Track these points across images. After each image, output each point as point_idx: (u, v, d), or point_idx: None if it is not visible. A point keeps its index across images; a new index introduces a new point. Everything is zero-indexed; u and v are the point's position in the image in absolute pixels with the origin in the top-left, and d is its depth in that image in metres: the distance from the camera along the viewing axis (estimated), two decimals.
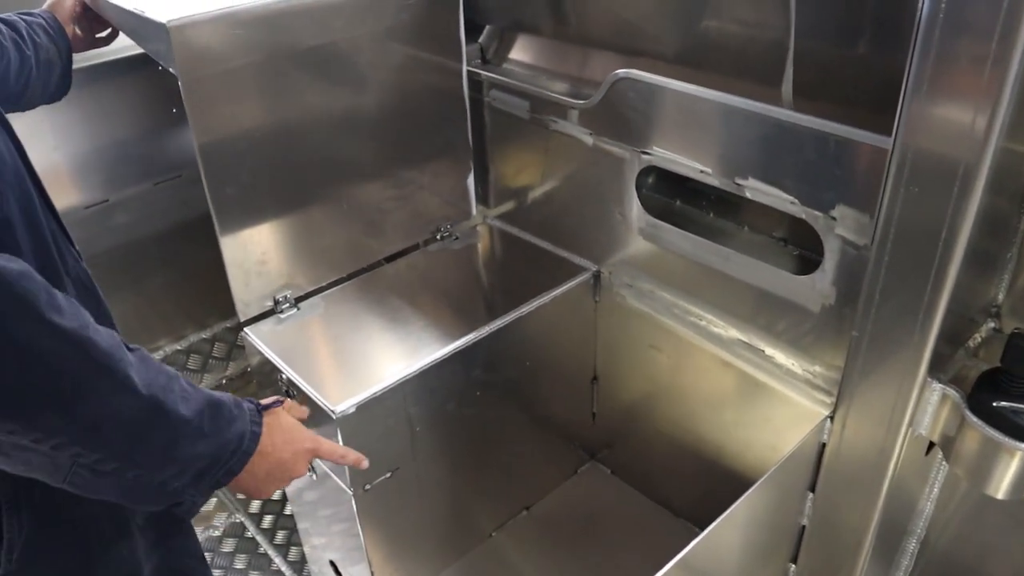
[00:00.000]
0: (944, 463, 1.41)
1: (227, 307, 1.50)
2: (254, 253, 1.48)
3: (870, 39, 1.20)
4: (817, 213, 1.19)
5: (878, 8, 1.14)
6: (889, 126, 0.99)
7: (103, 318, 1.14)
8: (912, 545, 1.55)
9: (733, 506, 1.11)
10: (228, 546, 2.09)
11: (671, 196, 1.58)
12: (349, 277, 1.66)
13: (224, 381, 2.10)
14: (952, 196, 0.96)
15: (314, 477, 1.51)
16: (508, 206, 1.81)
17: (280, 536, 2.10)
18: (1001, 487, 1.10)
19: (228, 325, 2.19)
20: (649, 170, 1.54)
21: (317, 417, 1.37)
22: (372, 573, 1.53)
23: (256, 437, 0.95)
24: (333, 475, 1.43)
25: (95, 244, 1.92)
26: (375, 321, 1.53)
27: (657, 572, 1.00)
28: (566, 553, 1.75)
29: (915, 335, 1.07)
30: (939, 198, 0.97)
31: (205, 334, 2.18)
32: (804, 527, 1.39)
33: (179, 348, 2.14)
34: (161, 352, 2.12)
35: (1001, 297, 1.23)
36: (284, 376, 1.41)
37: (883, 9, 1.14)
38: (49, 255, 1.00)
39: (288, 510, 2.13)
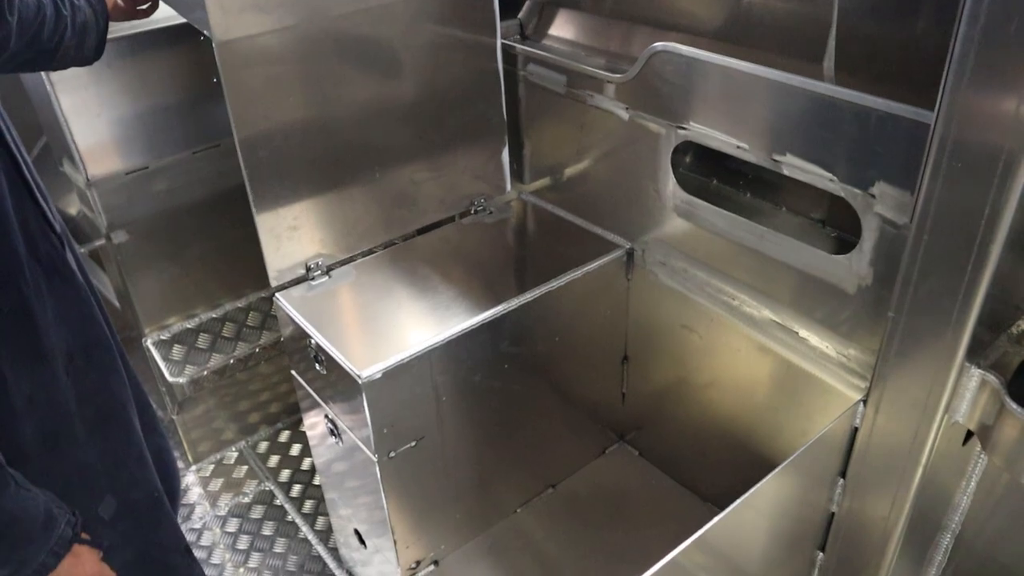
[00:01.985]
0: (982, 455, 1.37)
1: (262, 277, 1.51)
2: (286, 219, 1.49)
3: (915, 14, 1.16)
4: (856, 191, 1.16)
5: None
6: (932, 102, 0.96)
7: (76, 303, 1.14)
8: (946, 540, 1.51)
9: (757, 486, 1.09)
10: (256, 513, 2.12)
11: (708, 175, 1.55)
12: (382, 247, 1.66)
13: (257, 349, 2.11)
14: (996, 176, 0.93)
15: (340, 444, 1.52)
16: (543, 182, 1.79)
17: (308, 506, 2.12)
18: None
19: (263, 295, 2.21)
20: (687, 148, 1.51)
21: (343, 383, 1.38)
22: (395, 542, 1.53)
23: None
24: (359, 441, 1.43)
25: (134, 210, 1.94)
26: (405, 290, 1.53)
27: (675, 548, 0.99)
28: (590, 532, 1.74)
29: (953, 317, 1.04)
30: (982, 177, 0.94)
31: (240, 303, 2.20)
32: (833, 514, 1.36)
33: (214, 316, 2.16)
34: (197, 319, 2.14)
35: None
36: (313, 342, 1.42)
37: None
38: (6, 239, 1.00)
39: (317, 480, 2.15)
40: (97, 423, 1.16)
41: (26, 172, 1.07)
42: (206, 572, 1.92)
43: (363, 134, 1.54)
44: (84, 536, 1.06)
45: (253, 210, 1.45)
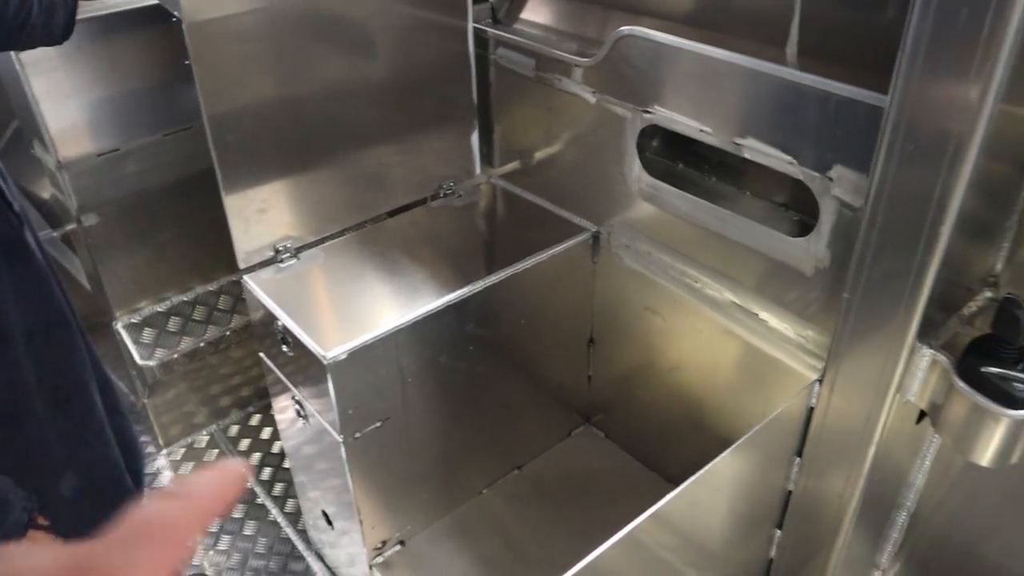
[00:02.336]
0: (936, 436, 1.41)
1: (233, 260, 1.52)
2: (254, 201, 1.49)
3: (876, 1, 1.18)
4: (815, 174, 1.18)
5: None
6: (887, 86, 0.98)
7: (35, 282, 1.13)
8: (902, 518, 1.54)
9: (711, 463, 1.11)
10: None
11: (674, 159, 1.57)
12: (351, 230, 1.67)
13: (228, 332, 2.11)
14: (946, 160, 0.95)
15: (307, 426, 1.53)
16: (512, 165, 1.81)
17: (278, 488, 2.13)
18: (987, 454, 1.09)
19: (234, 278, 2.20)
20: (653, 133, 1.53)
21: (310, 365, 1.39)
22: (361, 523, 1.54)
23: None
24: (325, 423, 1.44)
25: (105, 193, 1.94)
26: (373, 273, 1.54)
27: (630, 523, 1.01)
28: (556, 513, 1.76)
29: (905, 298, 1.06)
30: (933, 161, 0.96)
31: (211, 286, 2.20)
32: (791, 493, 1.39)
33: (185, 299, 2.16)
34: (167, 302, 2.13)
35: (999, 267, 1.21)
36: (280, 323, 1.42)
37: None
38: None
39: (287, 463, 2.15)
40: (57, 401, 1.16)
41: None
42: None
43: (333, 116, 1.54)
44: (42, 522, 1.06)
45: (222, 192, 1.45)
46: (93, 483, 1.23)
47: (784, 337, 1.35)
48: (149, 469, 2.20)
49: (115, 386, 1.39)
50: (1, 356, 1.07)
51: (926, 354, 1.11)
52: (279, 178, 1.50)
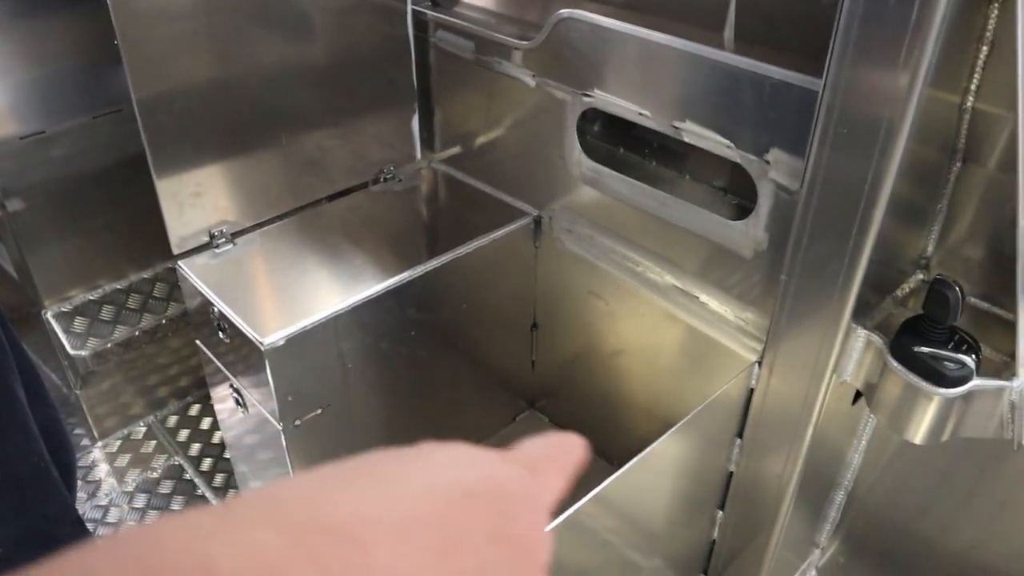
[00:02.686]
0: (871, 416, 1.44)
1: (168, 247, 1.48)
2: (188, 185, 1.45)
3: None
4: (752, 157, 1.19)
5: None
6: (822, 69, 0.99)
7: None
8: (840, 497, 1.58)
9: (652, 445, 1.11)
10: (165, 488, 2.07)
11: (615, 144, 1.57)
12: (289, 214, 1.64)
13: (164, 321, 2.06)
14: (877, 144, 0.97)
15: (246, 414, 1.50)
16: (453, 150, 1.79)
17: (219, 479, 2.09)
18: (919, 432, 1.12)
19: (169, 266, 2.15)
20: (595, 117, 1.53)
21: (247, 351, 1.36)
22: None
23: None
24: (264, 411, 1.41)
25: (30, 177, 1.86)
26: (312, 258, 1.52)
27: (573, 506, 1.01)
28: None
29: (840, 280, 1.08)
30: (865, 145, 0.98)
31: (146, 273, 2.14)
32: (732, 474, 1.41)
33: (118, 287, 2.09)
34: (100, 291, 2.07)
35: (931, 249, 1.24)
36: (216, 310, 1.39)
37: None
38: None
39: (227, 454, 2.12)
40: None
41: None
42: None
43: (270, 98, 1.51)
44: None
45: (153, 175, 1.41)
46: (16, 478, 1.19)
47: (724, 320, 1.36)
48: (83, 462, 2.14)
49: (41, 377, 1.35)
50: None
51: (861, 335, 1.13)
52: (214, 161, 1.47)
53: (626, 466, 1.07)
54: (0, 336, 1.18)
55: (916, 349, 1.09)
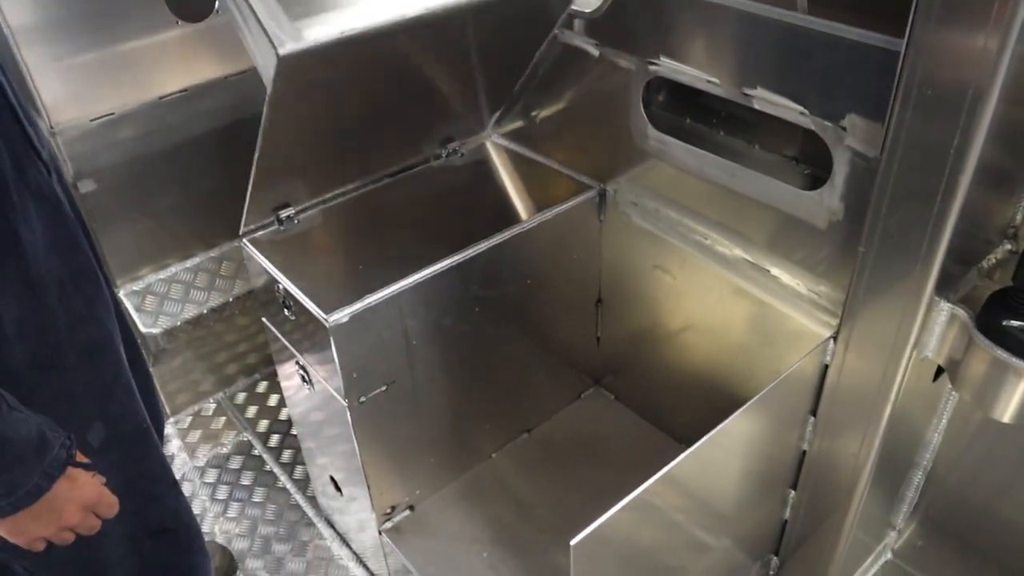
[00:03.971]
0: (953, 392, 1.38)
1: (234, 226, 1.48)
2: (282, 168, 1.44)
3: None
4: (827, 123, 1.14)
5: None
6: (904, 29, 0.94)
7: (63, 230, 1.11)
8: (918, 477, 1.53)
9: (723, 424, 1.08)
10: (235, 463, 2.11)
11: (681, 114, 1.53)
12: (352, 191, 1.63)
13: (231, 299, 2.09)
14: (964, 107, 0.91)
15: (312, 391, 1.51)
16: (516, 124, 1.76)
17: (286, 455, 2.12)
18: (1008, 410, 1.07)
19: (236, 245, 2.17)
20: (659, 86, 1.48)
21: (312, 328, 1.36)
22: (369, 488, 1.53)
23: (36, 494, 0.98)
24: (329, 388, 1.42)
25: (101, 159, 1.90)
26: (375, 234, 1.51)
27: (641, 485, 0.98)
28: (565, 476, 1.75)
29: (923, 251, 1.03)
30: (951, 108, 0.92)
31: (213, 252, 2.17)
32: (805, 452, 1.37)
33: (187, 266, 2.13)
34: (169, 270, 2.11)
35: (1020, 218, 1.17)
36: (281, 287, 1.40)
37: None
38: None
39: (294, 430, 2.14)
40: (87, 351, 1.15)
41: (10, 95, 1.04)
42: None
43: None
44: (80, 459, 1.05)
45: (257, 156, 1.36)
46: (120, 434, 1.22)
47: (796, 293, 1.32)
48: None
49: (137, 342, 1.37)
50: (36, 305, 1.06)
51: (944, 308, 1.08)
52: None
53: (696, 445, 1.04)
54: (108, 299, 1.21)
55: (1005, 323, 1.04)
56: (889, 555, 1.65)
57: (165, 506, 1.33)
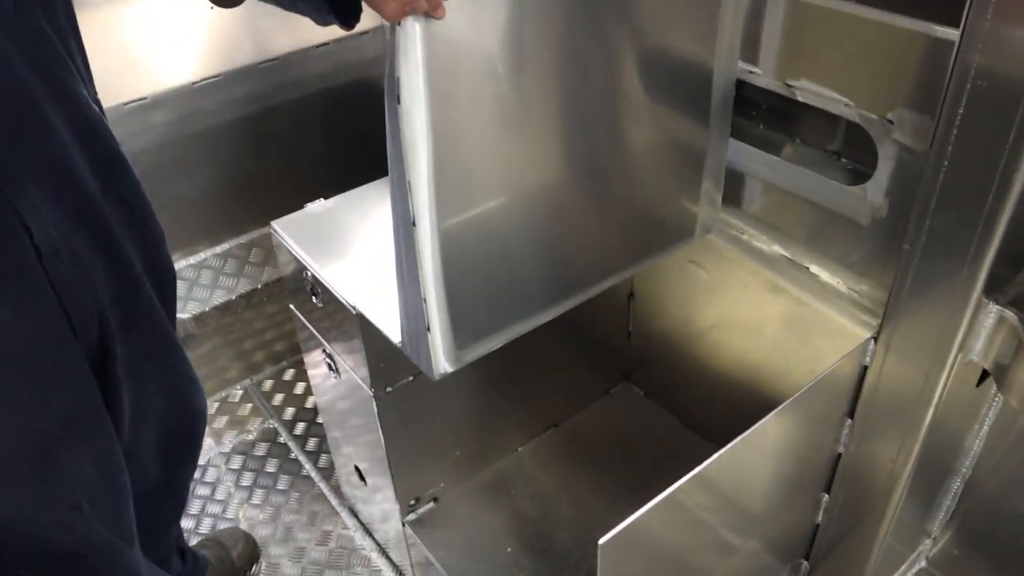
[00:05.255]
0: (997, 398, 1.34)
1: (263, 213, 1.48)
2: None
3: None
4: (872, 116, 1.10)
5: None
6: (958, 21, 0.90)
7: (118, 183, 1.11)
8: (956, 485, 1.48)
9: (758, 424, 1.05)
10: (260, 450, 2.11)
11: None
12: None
13: (260, 286, 2.09)
14: (1022, 102, 0.87)
15: (338, 379, 1.49)
16: None
17: (311, 444, 2.11)
18: None
19: (265, 231, 2.17)
20: None
21: (340, 316, 1.35)
22: (393, 478, 1.51)
23: None
24: (356, 376, 1.40)
25: (134, 143, 1.90)
26: None
27: (671, 484, 0.96)
28: (592, 472, 1.72)
29: (972, 250, 0.99)
30: (1006, 103, 0.88)
31: (242, 239, 2.17)
32: (840, 456, 1.33)
33: (217, 252, 2.13)
34: (199, 256, 2.11)
35: None
36: (309, 273, 1.38)
37: None
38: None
39: (320, 418, 2.13)
40: (160, 288, 1.21)
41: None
42: (211, 509, 1.94)
43: None
44: None
45: None
46: (169, 387, 1.28)
47: (836, 292, 1.28)
48: None
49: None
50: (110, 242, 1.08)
51: (992, 311, 1.04)
52: None
53: (729, 445, 1.01)
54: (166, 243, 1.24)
55: None
56: (923, 563, 1.61)
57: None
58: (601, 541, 0.88)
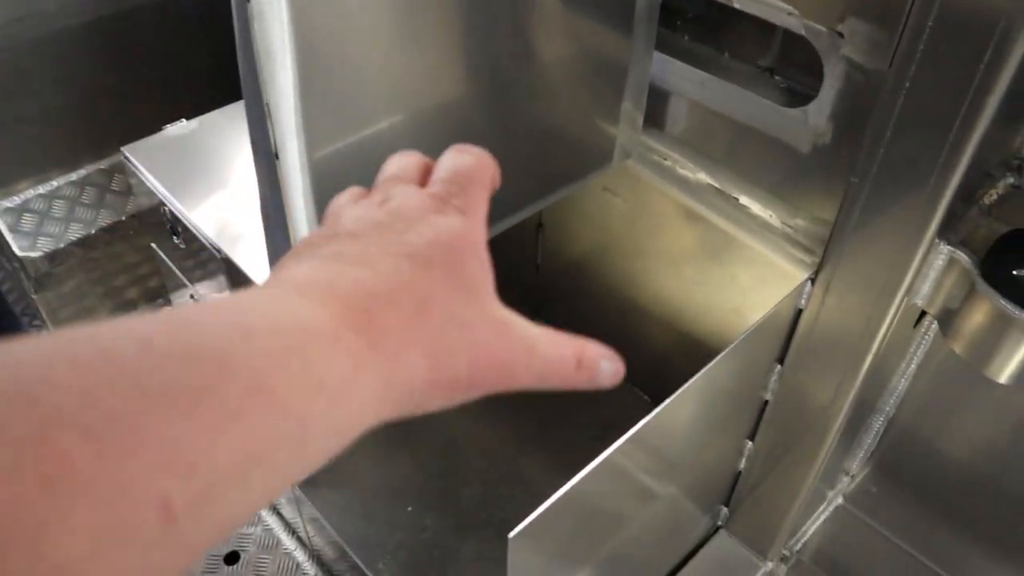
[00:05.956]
0: (926, 337, 1.26)
1: (129, 133, 1.26)
2: None
3: None
4: (820, 28, 0.96)
5: None
6: None
7: None
8: (879, 423, 1.42)
9: (693, 379, 0.93)
10: None
11: None
12: None
13: (125, 218, 1.85)
14: (1003, 14, 0.74)
15: None
16: None
17: None
18: (1006, 370, 0.94)
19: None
20: None
21: (206, 259, 1.15)
22: None
23: None
24: None
25: None
26: None
27: (608, 448, 0.83)
28: (500, 417, 1.59)
29: (930, 184, 0.87)
30: (987, 7, 0.75)
31: (103, 164, 1.91)
32: (767, 402, 1.23)
33: (72, 180, 1.87)
34: (51, 184, 1.85)
35: None
36: (168, 210, 1.18)
37: None
38: None
39: None
40: None
41: None
42: None
43: None
44: None
45: None
46: None
47: (768, 226, 1.16)
48: None
49: None
50: None
51: (943, 251, 0.93)
52: None
53: (663, 405, 0.89)
54: None
55: (1015, 272, 0.90)
56: (840, 500, 1.56)
57: None
58: (511, 536, 0.75)
